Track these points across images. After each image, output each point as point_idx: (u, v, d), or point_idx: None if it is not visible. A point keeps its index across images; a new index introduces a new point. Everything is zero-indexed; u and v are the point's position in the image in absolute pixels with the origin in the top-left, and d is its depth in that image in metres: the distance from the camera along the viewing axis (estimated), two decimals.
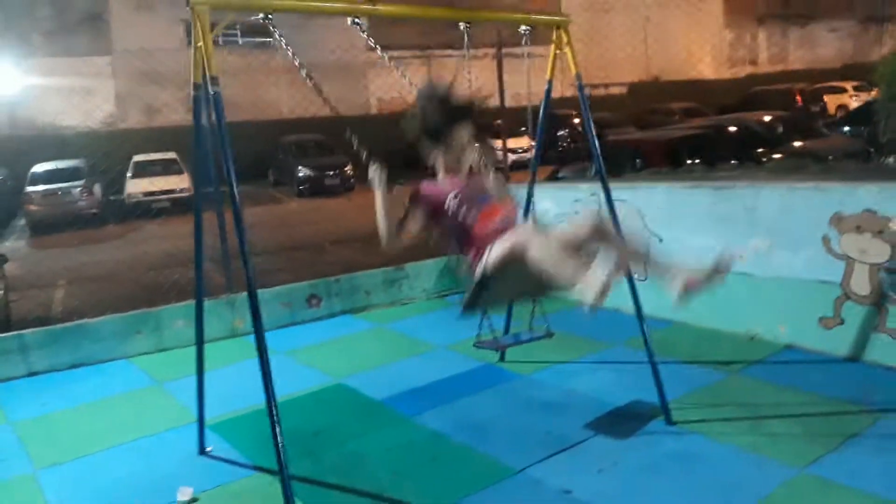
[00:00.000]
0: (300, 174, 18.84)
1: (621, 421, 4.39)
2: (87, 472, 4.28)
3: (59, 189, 15.71)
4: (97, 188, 16.25)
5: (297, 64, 3.63)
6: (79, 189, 15.93)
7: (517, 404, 4.76)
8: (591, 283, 2.47)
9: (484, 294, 2.90)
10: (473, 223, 2.87)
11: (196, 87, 3.64)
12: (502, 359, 5.52)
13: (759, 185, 5.53)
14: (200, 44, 3.26)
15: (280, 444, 3.15)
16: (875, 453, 3.77)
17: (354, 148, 3.36)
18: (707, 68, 31.83)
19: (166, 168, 17.13)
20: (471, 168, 3.09)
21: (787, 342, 5.37)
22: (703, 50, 29.83)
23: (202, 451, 4.38)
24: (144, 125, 20.73)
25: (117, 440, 4.68)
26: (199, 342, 4.24)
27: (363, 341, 6.40)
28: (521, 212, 3.06)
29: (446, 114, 2.92)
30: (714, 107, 25.27)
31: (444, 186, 2.99)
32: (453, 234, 2.97)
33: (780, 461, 3.75)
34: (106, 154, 15.91)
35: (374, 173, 3.09)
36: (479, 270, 2.83)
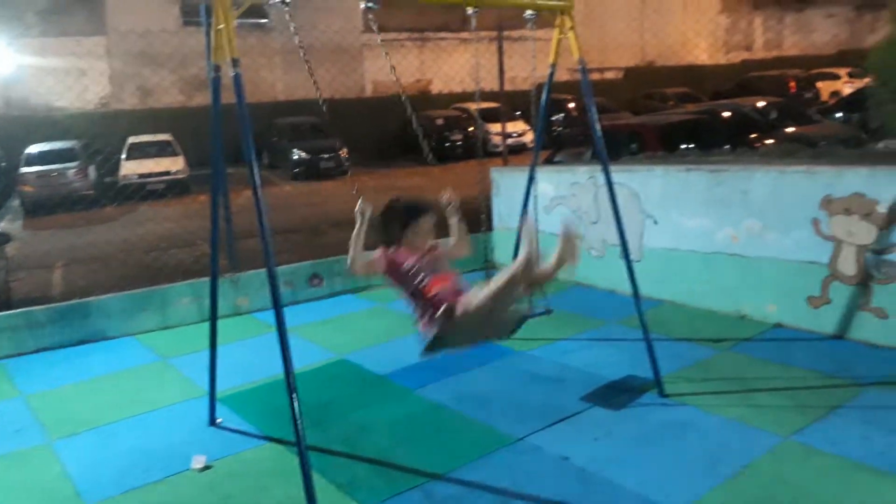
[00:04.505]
0: (295, 157, 18.88)
1: (616, 393, 4.57)
2: (102, 442, 4.43)
3: (54, 170, 15.70)
4: (91, 170, 16.27)
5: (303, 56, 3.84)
6: (73, 170, 15.93)
7: (516, 378, 4.94)
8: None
9: (441, 345, 3.40)
10: (426, 285, 3.35)
11: (216, 68, 3.74)
12: None
13: (751, 169, 5.68)
14: (222, 26, 3.37)
15: (297, 414, 3.30)
16: (856, 423, 3.96)
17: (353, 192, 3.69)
18: (703, 54, 31.89)
19: (161, 150, 17.13)
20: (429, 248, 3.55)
21: (777, 321, 5.56)
22: (699, 35, 29.89)
23: (212, 423, 4.54)
24: (139, 106, 20.70)
25: (128, 412, 4.83)
26: (213, 317, 4.37)
27: (365, 319, 6.56)
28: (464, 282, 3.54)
29: (414, 209, 3.50)
30: (709, 92, 25.40)
31: (405, 255, 3.46)
32: (406, 291, 3.44)
33: (766, 430, 3.94)
34: (100, 135, 15.93)
35: (360, 207, 3.50)
36: (432, 330, 3.32)
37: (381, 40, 4.14)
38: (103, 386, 5.36)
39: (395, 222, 3.48)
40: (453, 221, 3.69)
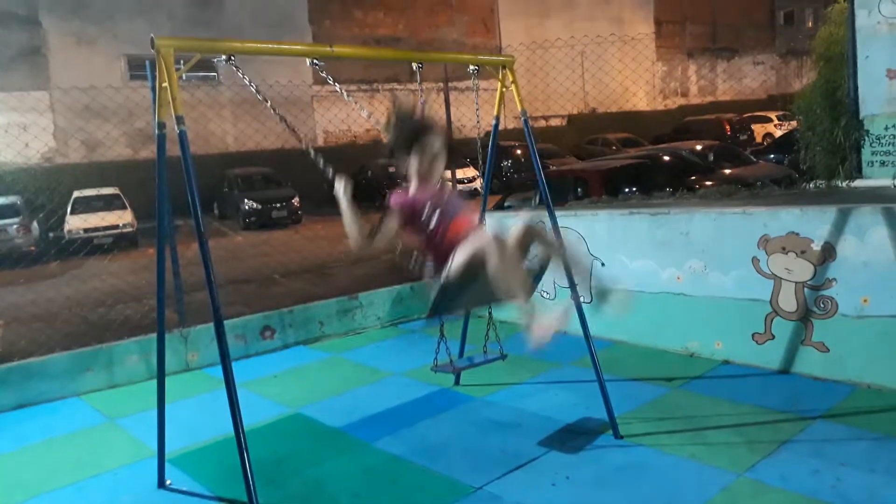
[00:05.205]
0: (246, 207, 18.75)
1: (572, 437, 4.60)
2: None
3: None
4: (35, 225, 15.85)
5: (267, 104, 3.81)
6: (15, 226, 15.52)
7: (473, 425, 4.92)
8: (541, 317, 2.89)
9: (447, 298, 3.09)
10: (445, 232, 3.09)
11: (161, 125, 3.74)
12: (457, 382, 5.68)
13: (691, 211, 5.89)
14: (165, 84, 3.39)
15: (249, 473, 3.23)
16: (805, 457, 4.07)
17: (319, 165, 3.59)
18: (641, 100, 33.09)
19: (108, 204, 16.80)
20: (441, 180, 3.29)
21: (724, 358, 5.71)
22: (637, 83, 31.02)
23: (162, 485, 4.38)
24: (84, 160, 20.34)
25: (72, 478, 4.62)
26: (161, 374, 4.27)
27: (319, 371, 6.47)
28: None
29: (419, 124, 3.17)
30: (649, 136, 26.30)
31: (419, 195, 3.16)
32: (423, 240, 3.16)
33: (719, 468, 4.01)
34: (44, 190, 15.56)
35: (340, 184, 3.27)
36: (443, 275, 3.03)
37: (331, 91, 4.22)
38: (46, 451, 5.13)
39: (402, 134, 3.15)
40: None
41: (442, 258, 3.08)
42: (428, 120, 3.22)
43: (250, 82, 3.67)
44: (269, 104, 3.78)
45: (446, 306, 3.16)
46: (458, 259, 2.95)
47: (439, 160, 3.17)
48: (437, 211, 3.11)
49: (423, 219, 3.12)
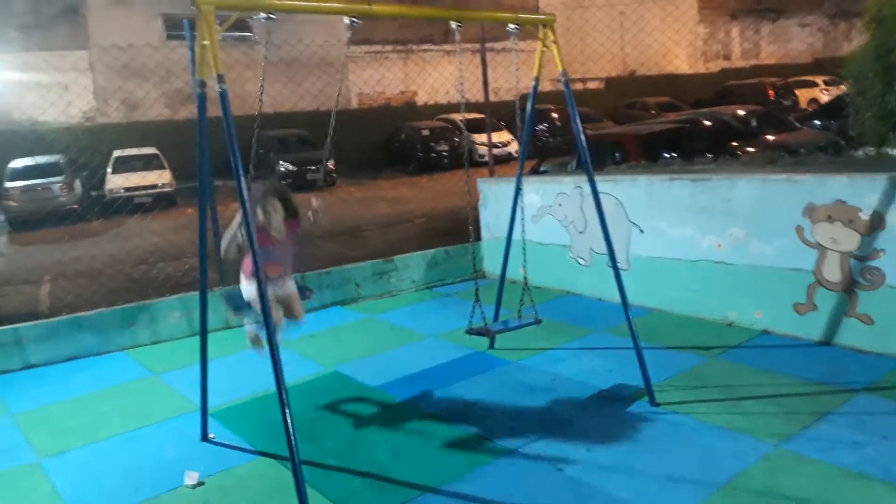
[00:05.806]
0: (281, 169, 18.87)
1: (608, 403, 4.61)
2: (92, 460, 4.40)
3: (39, 185, 15.59)
4: (77, 184, 16.16)
5: (261, 66, 4.05)
6: (59, 185, 15.83)
7: (508, 388, 4.96)
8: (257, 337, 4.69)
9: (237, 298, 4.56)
10: (265, 262, 4.05)
11: (201, 84, 3.76)
12: (492, 346, 5.71)
13: (734, 178, 5.76)
14: (206, 42, 3.39)
15: (291, 429, 3.30)
16: (846, 429, 4.02)
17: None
18: (682, 63, 32.25)
19: (147, 163, 17.03)
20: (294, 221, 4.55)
21: (764, 327, 5.63)
22: (679, 45, 30.23)
23: (205, 438, 4.52)
24: (124, 120, 20.60)
25: (119, 429, 4.80)
26: (203, 331, 4.37)
27: (355, 331, 6.56)
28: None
29: (262, 191, 4.41)
30: (689, 101, 25.68)
31: (261, 236, 4.18)
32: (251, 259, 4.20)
33: (757, 438, 3.99)
34: (85, 149, 15.83)
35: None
36: (245, 292, 4.51)
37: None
38: (93, 402, 5.32)
39: (255, 196, 4.24)
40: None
41: (250, 273, 4.36)
42: (270, 188, 4.50)
43: (266, 44, 3.71)
44: (262, 67, 4.02)
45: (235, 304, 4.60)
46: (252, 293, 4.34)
47: (275, 214, 4.39)
48: (267, 251, 4.21)
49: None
